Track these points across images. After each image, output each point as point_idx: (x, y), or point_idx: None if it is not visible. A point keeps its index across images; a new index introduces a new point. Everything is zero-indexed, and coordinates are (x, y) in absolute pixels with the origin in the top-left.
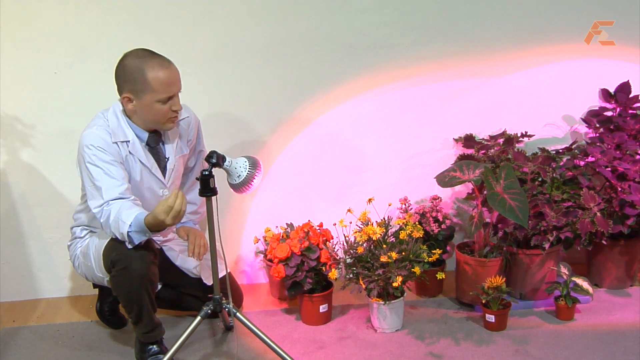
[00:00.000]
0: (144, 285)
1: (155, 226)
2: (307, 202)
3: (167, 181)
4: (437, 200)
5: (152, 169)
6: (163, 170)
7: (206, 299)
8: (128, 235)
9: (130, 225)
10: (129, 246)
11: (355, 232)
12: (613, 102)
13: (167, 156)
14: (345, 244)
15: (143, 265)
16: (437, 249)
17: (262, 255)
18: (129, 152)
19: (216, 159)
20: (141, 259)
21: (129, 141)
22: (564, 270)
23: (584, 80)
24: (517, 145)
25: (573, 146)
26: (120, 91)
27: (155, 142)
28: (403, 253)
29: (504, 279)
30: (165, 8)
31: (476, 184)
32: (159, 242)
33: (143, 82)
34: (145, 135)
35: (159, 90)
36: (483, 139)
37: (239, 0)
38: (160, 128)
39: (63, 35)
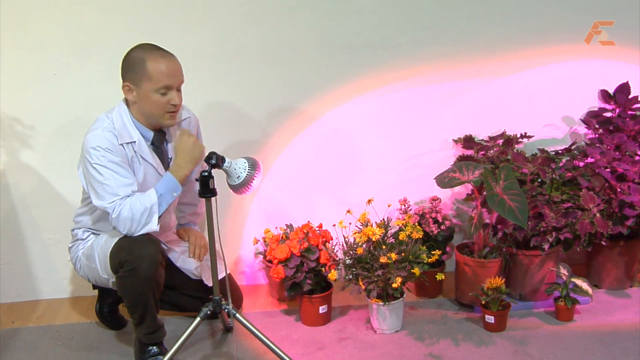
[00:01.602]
0: (150, 287)
1: (180, 165)
2: (306, 202)
3: None
4: (436, 201)
5: (158, 169)
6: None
7: (206, 300)
8: (159, 199)
9: (156, 190)
10: (154, 226)
11: (355, 233)
12: (612, 103)
13: (170, 156)
14: (344, 244)
15: (151, 266)
16: (437, 250)
17: (262, 256)
18: (135, 152)
19: (215, 160)
20: (150, 260)
21: (134, 142)
22: (564, 271)
23: (583, 81)
24: (516, 146)
25: (572, 147)
26: (122, 80)
27: (160, 141)
28: (402, 254)
29: (504, 280)
30: (165, 8)
31: (476, 184)
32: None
33: (142, 70)
34: (151, 135)
35: (157, 78)
36: (482, 139)
37: (238, 0)
38: (159, 123)
39: (63, 35)
